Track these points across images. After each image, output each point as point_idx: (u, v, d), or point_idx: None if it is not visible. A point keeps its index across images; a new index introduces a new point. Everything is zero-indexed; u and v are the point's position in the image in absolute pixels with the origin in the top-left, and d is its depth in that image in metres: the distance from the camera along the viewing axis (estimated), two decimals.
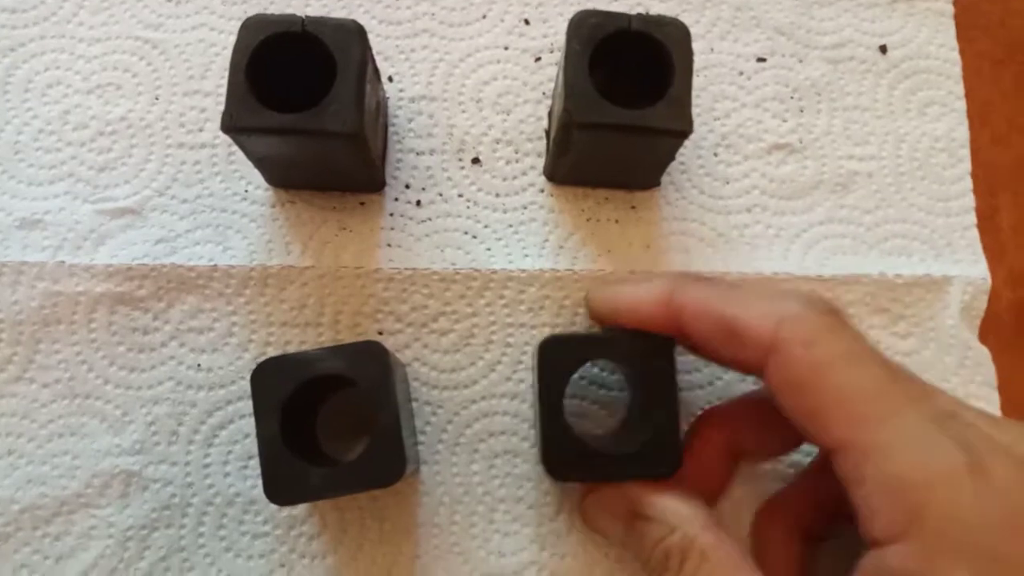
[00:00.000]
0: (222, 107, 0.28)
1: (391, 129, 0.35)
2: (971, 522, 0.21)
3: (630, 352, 0.28)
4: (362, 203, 0.34)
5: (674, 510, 0.27)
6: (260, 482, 0.26)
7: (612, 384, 0.33)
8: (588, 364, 0.33)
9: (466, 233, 0.34)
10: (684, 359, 0.32)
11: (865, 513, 0.22)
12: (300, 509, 0.31)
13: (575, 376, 0.28)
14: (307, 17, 0.28)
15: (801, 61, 0.37)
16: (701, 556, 0.25)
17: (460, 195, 0.34)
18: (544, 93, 0.36)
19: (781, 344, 0.23)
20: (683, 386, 0.32)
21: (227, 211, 0.34)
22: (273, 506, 0.31)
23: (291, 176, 0.33)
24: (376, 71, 0.31)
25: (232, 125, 0.28)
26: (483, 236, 0.34)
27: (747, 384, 0.33)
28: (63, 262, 0.33)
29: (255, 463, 0.31)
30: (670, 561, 0.26)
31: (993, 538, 0.21)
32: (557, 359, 0.28)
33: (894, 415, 0.22)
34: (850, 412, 0.22)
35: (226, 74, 0.28)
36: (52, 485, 0.31)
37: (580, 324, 0.33)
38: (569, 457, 0.27)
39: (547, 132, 0.35)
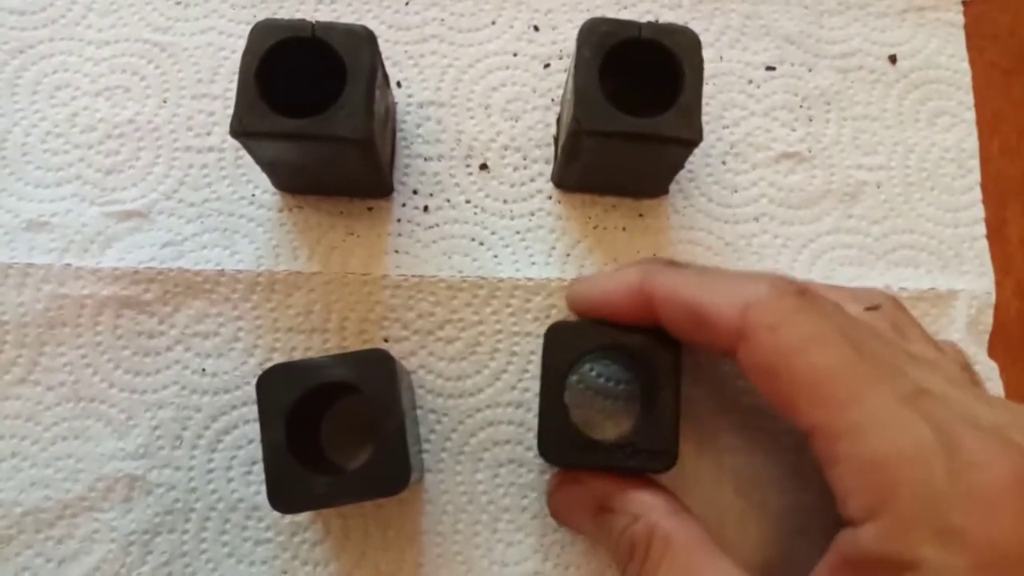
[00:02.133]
0: (230, 111, 0.28)
1: (399, 134, 0.35)
2: (940, 499, 0.21)
3: (637, 343, 0.28)
4: (370, 208, 0.34)
5: (638, 500, 0.27)
6: (263, 488, 0.26)
7: (618, 393, 0.33)
8: (592, 370, 0.33)
9: (473, 240, 0.34)
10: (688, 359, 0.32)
11: (840, 493, 0.22)
12: (303, 516, 0.31)
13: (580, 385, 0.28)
14: (317, 22, 0.28)
15: (810, 70, 0.37)
16: (665, 541, 0.25)
17: (468, 201, 0.34)
18: (553, 100, 0.36)
19: (748, 330, 0.23)
20: (692, 395, 0.32)
21: (234, 215, 0.34)
22: (276, 512, 0.30)
23: (299, 181, 0.33)
24: (385, 76, 0.31)
25: (242, 130, 0.27)
26: (490, 243, 0.34)
27: (759, 395, 0.33)
28: (69, 264, 0.33)
29: (259, 468, 0.31)
30: (635, 549, 0.26)
31: (962, 514, 0.20)
32: (563, 343, 0.28)
33: (864, 394, 0.22)
34: (819, 394, 0.22)
35: (234, 78, 0.28)
36: (55, 488, 0.31)
37: None
38: (565, 441, 0.27)
39: (555, 139, 0.35)
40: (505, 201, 0.34)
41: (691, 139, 0.29)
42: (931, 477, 0.21)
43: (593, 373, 0.33)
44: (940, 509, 0.21)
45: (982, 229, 0.35)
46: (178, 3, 0.36)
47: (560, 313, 0.33)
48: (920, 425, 0.21)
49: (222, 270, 0.33)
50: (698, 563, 0.25)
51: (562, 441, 0.27)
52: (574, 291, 0.30)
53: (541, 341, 0.32)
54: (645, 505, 0.27)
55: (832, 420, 0.22)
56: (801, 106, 0.36)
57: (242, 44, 0.28)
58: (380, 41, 0.29)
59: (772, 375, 0.23)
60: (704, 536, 0.26)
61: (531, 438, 0.32)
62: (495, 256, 0.34)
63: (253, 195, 0.34)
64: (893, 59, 0.37)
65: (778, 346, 0.23)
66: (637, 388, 0.32)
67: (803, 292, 0.24)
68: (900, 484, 0.21)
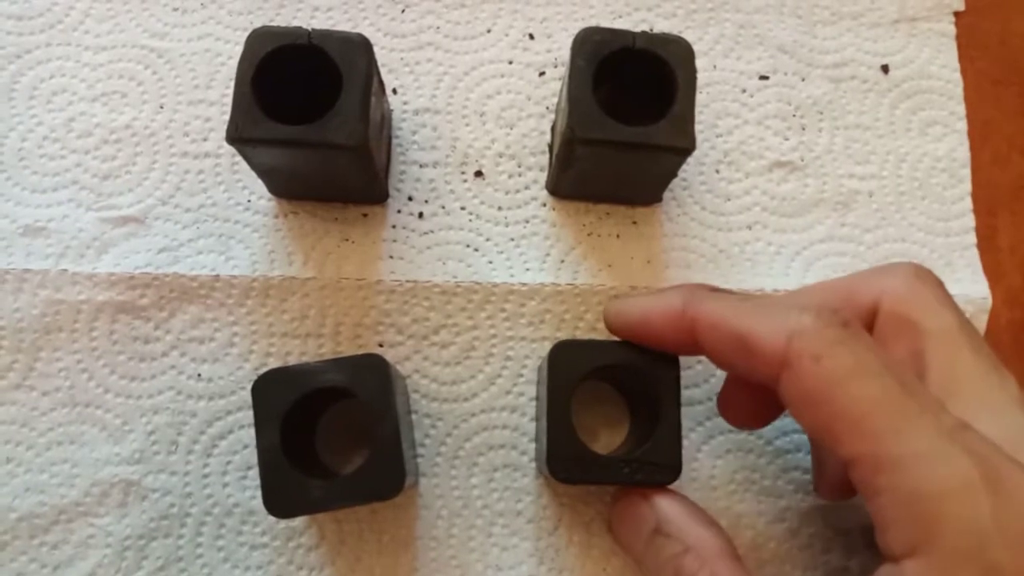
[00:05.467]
0: (226, 117, 0.28)
1: (395, 141, 0.35)
2: (987, 536, 0.20)
3: (637, 359, 0.28)
4: (365, 215, 0.34)
5: (695, 533, 0.27)
6: (259, 493, 0.26)
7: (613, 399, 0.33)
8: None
9: (468, 246, 0.34)
10: (686, 373, 0.32)
11: (880, 525, 0.22)
12: (298, 521, 0.31)
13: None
14: (313, 30, 0.28)
15: (803, 79, 0.37)
16: None
17: (463, 208, 0.35)
18: (548, 107, 0.36)
19: (792, 359, 0.23)
20: (684, 400, 0.32)
21: (230, 221, 0.34)
22: (271, 517, 0.30)
23: (294, 187, 0.33)
24: (381, 84, 0.31)
25: (237, 136, 0.28)
26: (485, 249, 0.34)
27: None
28: (66, 270, 0.33)
29: (254, 473, 0.31)
30: None
31: (1008, 553, 0.20)
32: (568, 362, 0.28)
33: (906, 427, 0.22)
34: (861, 426, 0.22)
35: (231, 84, 0.28)
36: (51, 494, 0.31)
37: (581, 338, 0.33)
38: (573, 458, 0.28)
39: (550, 146, 0.35)
40: (500, 208, 0.35)
41: (684, 148, 0.29)
42: (976, 514, 0.20)
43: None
44: (985, 547, 0.20)
45: (973, 238, 0.36)
46: (175, 9, 0.36)
47: (553, 318, 0.33)
48: (964, 459, 0.21)
49: (217, 275, 0.33)
50: None
51: (571, 458, 0.28)
52: (612, 311, 0.29)
53: (535, 346, 0.33)
54: (700, 539, 0.27)
55: (873, 451, 0.22)
56: (794, 115, 0.37)
57: (239, 50, 0.28)
58: (376, 48, 0.29)
59: (814, 405, 0.23)
60: None
61: (526, 442, 0.32)
62: (490, 262, 0.34)
63: (249, 201, 0.34)
64: (885, 69, 0.38)
65: (821, 376, 0.23)
66: (625, 397, 0.33)
67: (847, 324, 0.24)
68: (944, 520, 0.21)
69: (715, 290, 0.28)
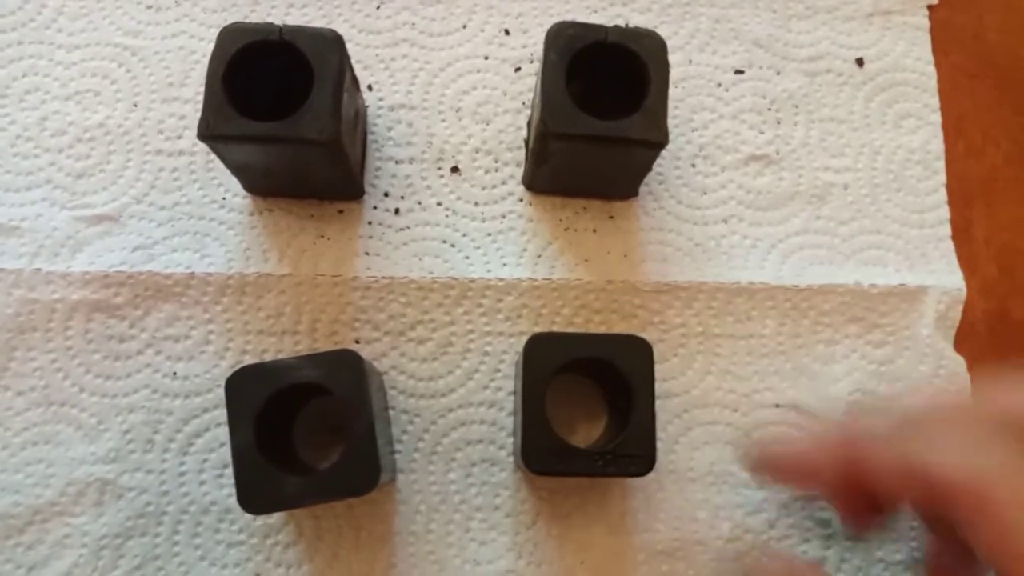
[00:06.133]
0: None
1: (370, 137, 0.35)
2: None
3: (611, 351, 0.28)
4: (340, 211, 0.34)
5: None
6: (235, 490, 0.26)
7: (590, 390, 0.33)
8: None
9: (444, 242, 0.34)
10: (661, 366, 0.32)
11: None
12: (276, 517, 0.31)
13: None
14: (284, 26, 0.28)
15: (779, 73, 0.37)
16: None
17: (439, 204, 0.34)
18: (523, 103, 0.36)
19: (990, 506, 0.21)
20: (661, 394, 0.32)
21: (205, 218, 0.34)
22: (248, 515, 0.30)
23: (269, 184, 0.33)
24: (355, 80, 0.31)
25: (209, 133, 0.28)
26: (461, 245, 0.34)
27: (728, 393, 0.33)
28: (40, 269, 0.33)
29: (231, 471, 0.31)
30: None
31: None
32: (542, 355, 0.28)
33: None
34: None
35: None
36: (26, 494, 0.31)
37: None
38: (547, 451, 0.28)
39: (526, 142, 0.35)
40: (476, 203, 0.35)
41: (657, 141, 0.29)
42: None
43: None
44: None
45: (948, 229, 0.36)
46: (148, 7, 0.36)
47: (531, 313, 0.33)
48: None
49: (192, 273, 0.33)
50: None
51: (545, 450, 0.28)
52: (763, 456, 0.30)
53: (513, 341, 0.33)
54: None
55: None
56: (769, 109, 0.37)
57: (212, 48, 0.28)
58: (351, 45, 0.29)
59: (1018, 559, 0.21)
60: None
61: (504, 437, 0.32)
62: (466, 257, 0.34)
63: (224, 198, 0.34)
64: (860, 62, 0.38)
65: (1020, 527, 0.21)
66: (603, 390, 0.33)
67: None
68: None
69: (874, 415, 0.26)
